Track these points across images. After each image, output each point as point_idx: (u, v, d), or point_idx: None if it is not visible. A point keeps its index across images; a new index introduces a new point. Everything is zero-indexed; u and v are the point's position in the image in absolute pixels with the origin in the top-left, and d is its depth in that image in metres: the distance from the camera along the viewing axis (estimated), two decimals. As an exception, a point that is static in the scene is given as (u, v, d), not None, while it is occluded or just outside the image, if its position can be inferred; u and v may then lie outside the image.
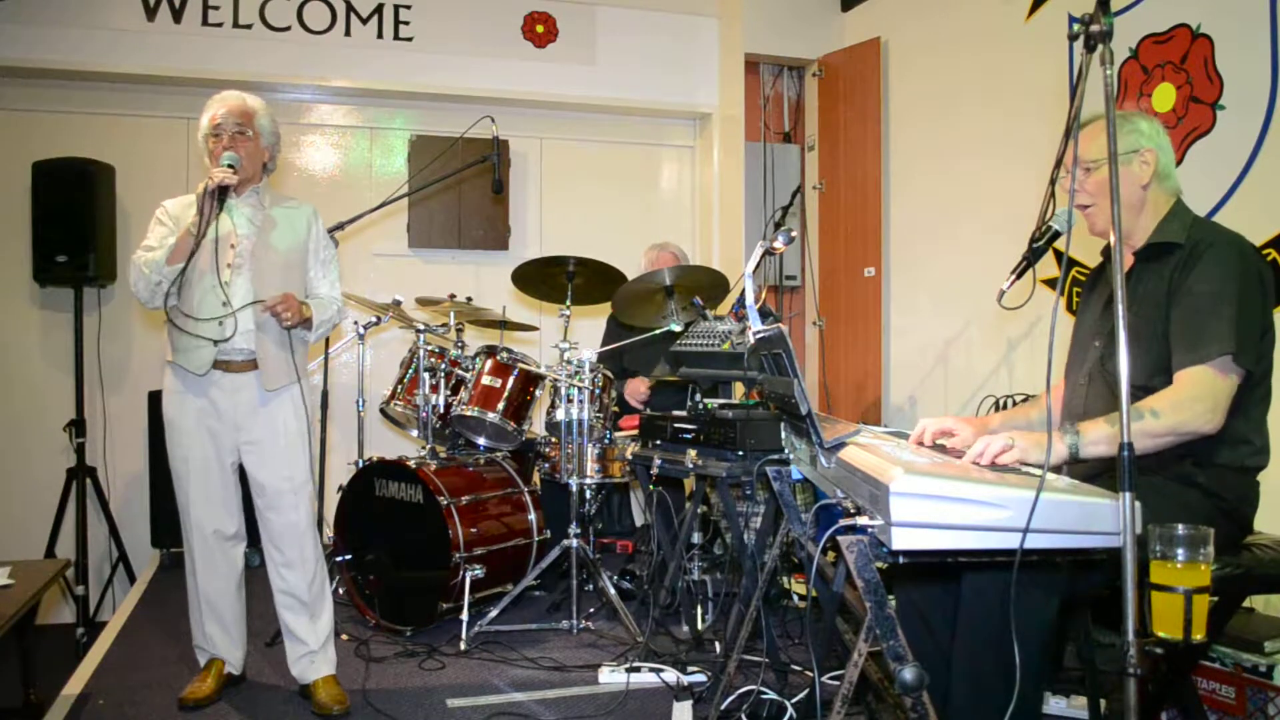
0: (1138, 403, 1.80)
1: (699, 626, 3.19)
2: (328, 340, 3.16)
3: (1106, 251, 2.18)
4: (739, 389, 3.32)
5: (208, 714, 2.60)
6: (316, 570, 2.69)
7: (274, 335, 2.62)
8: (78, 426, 4.30)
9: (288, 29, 4.65)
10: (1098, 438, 1.74)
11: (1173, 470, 1.86)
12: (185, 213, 2.61)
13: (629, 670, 2.82)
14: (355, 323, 3.80)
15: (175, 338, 2.62)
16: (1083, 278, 2.29)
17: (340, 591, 3.45)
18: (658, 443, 3.01)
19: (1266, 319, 1.88)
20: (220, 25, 4.54)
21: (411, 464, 3.34)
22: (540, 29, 5.04)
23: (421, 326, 3.62)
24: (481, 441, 3.80)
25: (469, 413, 3.50)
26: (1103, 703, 2.28)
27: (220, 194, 2.50)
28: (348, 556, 3.44)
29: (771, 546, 2.41)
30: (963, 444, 1.94)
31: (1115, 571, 1.38)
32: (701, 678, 2.80)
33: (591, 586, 3.65)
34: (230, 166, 2.53)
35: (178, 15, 4.49)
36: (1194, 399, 1.78)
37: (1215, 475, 1.87)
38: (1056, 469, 1.77)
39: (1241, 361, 1.80)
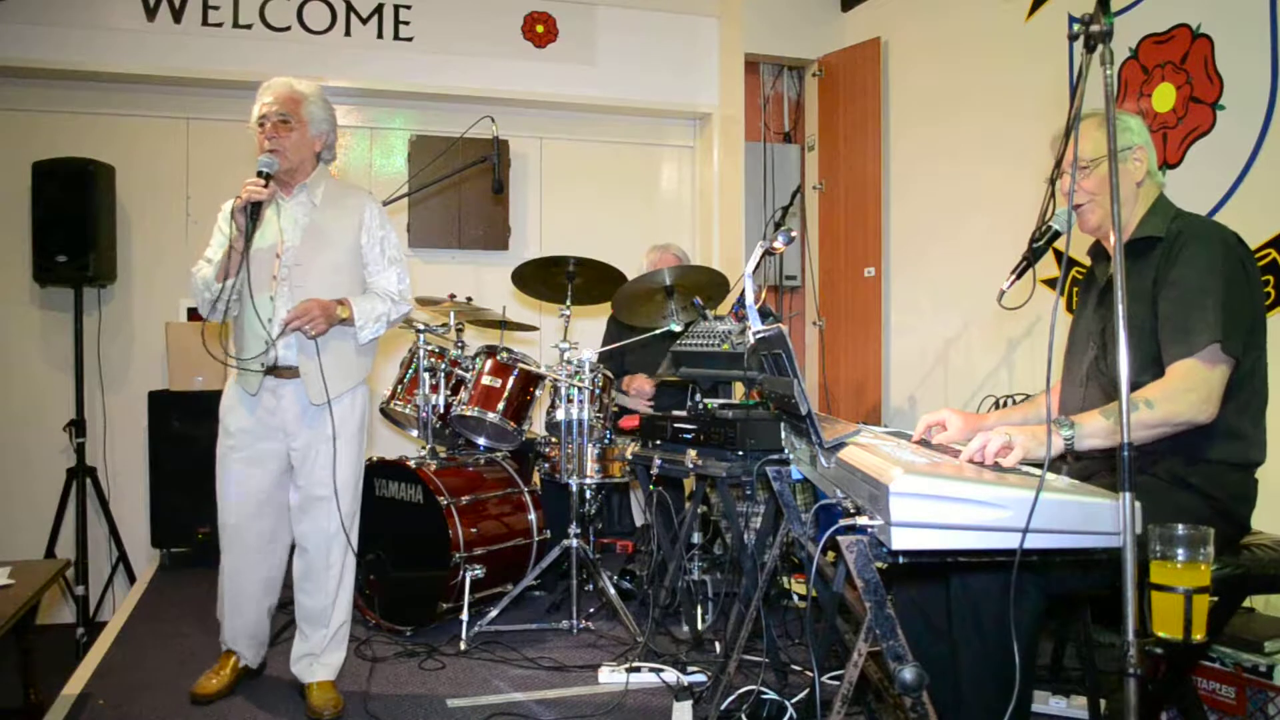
0: (1132, 394, 1.80)
1: (699, 626, 3.19)
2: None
3: (1092, 250, 2.18)
4: (739, 389, 3.32)
5: (208, 710, 2.60)
6: (339, 579, 2.65)
7: (308, 350, 2.53)
8: (78, 426, 4.30)
9: (288, 29, 4.65)
10: (1094, 430, 1.74)
11: (1164, 470, 1.86)
12: (239, 217, 2.52)
13: (629, 670, 2.82)
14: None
15: (236, 350, 2.57)
16: (1081, 277, 2.29)
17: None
18: (658, 443, 3.01)
19: (1254, 307, 1.88)
20: (220, 25, 4.54)
21: (411, 464, 3.34)
22: (540, 29, 5.04)
23: (421, 326, 3.62)
24: (481, 441, 3.80)
25: (469, 413, 3.50)
26: (1103, 703, 2.29)
27: (253, 209, 2.39)
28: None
29: (771, 546, 2.41)
30: (952, 437, 1.95)
31: (1115, 571, 1.38)
32: (701, 678, 2.80)
33: (591, 586, 3.65)
34: (263, 175, 2.40)
35: (178, 15, 4.48)
36: (1186, 389, 1.78)
37: (1208, 473, 1.86)
38: (1055, 462, 1.78)
39: (1229, 349, 1.80)
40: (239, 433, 2.59)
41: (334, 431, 2.56)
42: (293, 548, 2.71)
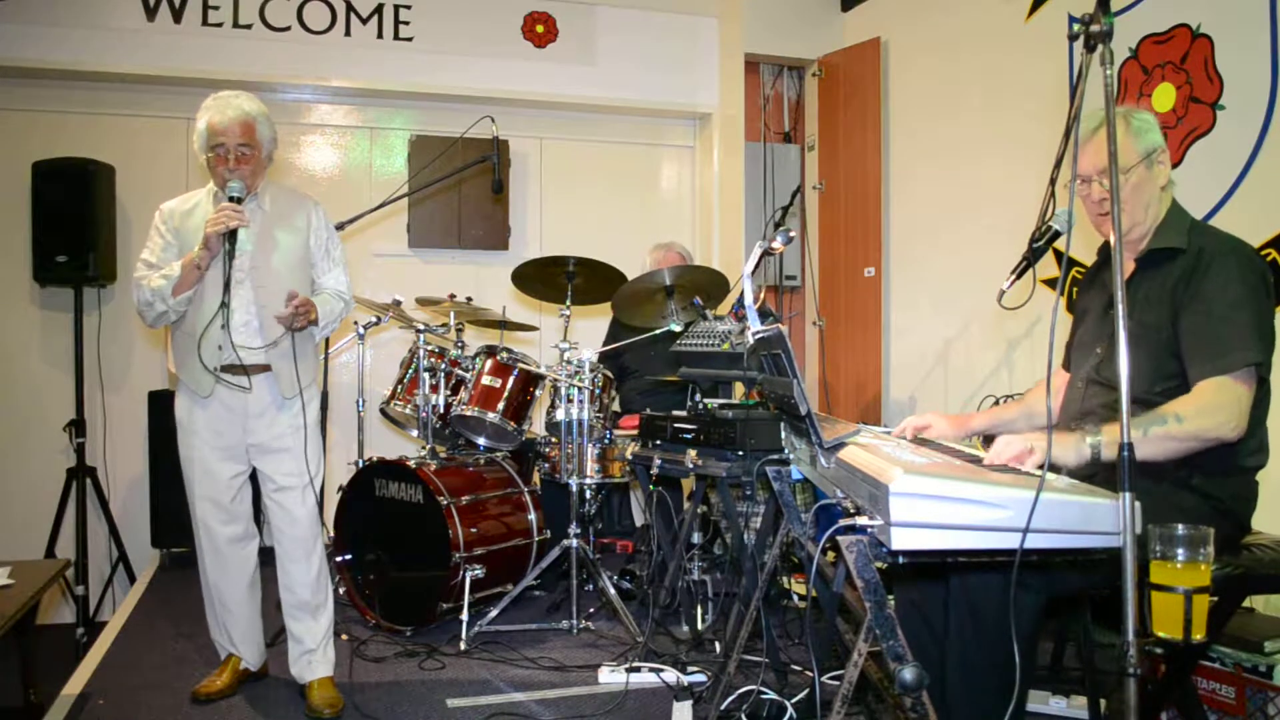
0: (1160, 407, 1.80)
1: (699, 626, 3.19)
2: (327, 340, 3.16)
3: (1103, 251, 2.17)
4: (739, 389, 3.32)
5: (209, 710, 2.60)
6: (319, 569, 2.69)
7: (278, 351, 2.60)
8: (78, 426, 4.30)
9: (288, 29, 4.65)
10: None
11: (1168, 473, 1.86)
12: (185, 221, 2.58)
13: (629, 670, 2.82)
14: (355, 323, 3.80)
15: (178, 355, 2.61)
16: (1081, 277, 2.29)
17: (340, 591, 3.45)
18: (658, 443, 3.01)
19: (1273, 324, 1.88)
20: (220, 25, 4.54)
21: (411, 464, 3.34)
22: (540, 29, 5.04)
23: (421, 326, 3.62)
24: (481, 441, 3.80)
25: (469, 413, 3.50)
26: (1103, 703, 2.28)
27: (231, 234, 2.46)
28: (348, 556, 3.45)
29: (771, 546, 2.41)
30: (938, 435, 1.99)
31: (1115, 571, 1.38)
32: (701, 678, 2.80)
33: (591, 586, 3.65)
34: (236, 200, 2.48)
35: (178, 15, 4.49)
36: (1218, 406, 1.78)
37: (1210, 476, 1.86)
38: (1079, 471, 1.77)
39: (1263, 371, 1.81)
40: (202, 431, 2.60)
41: (305, 421, 2.63)
42: (265, 551, 2.72)
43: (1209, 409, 1.78)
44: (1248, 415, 1.80)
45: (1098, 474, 1.89)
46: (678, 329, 3.31)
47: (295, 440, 2.63)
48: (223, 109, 2.56)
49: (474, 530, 3.26)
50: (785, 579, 3.47)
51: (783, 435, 2.38)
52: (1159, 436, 1.76)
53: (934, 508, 1.36)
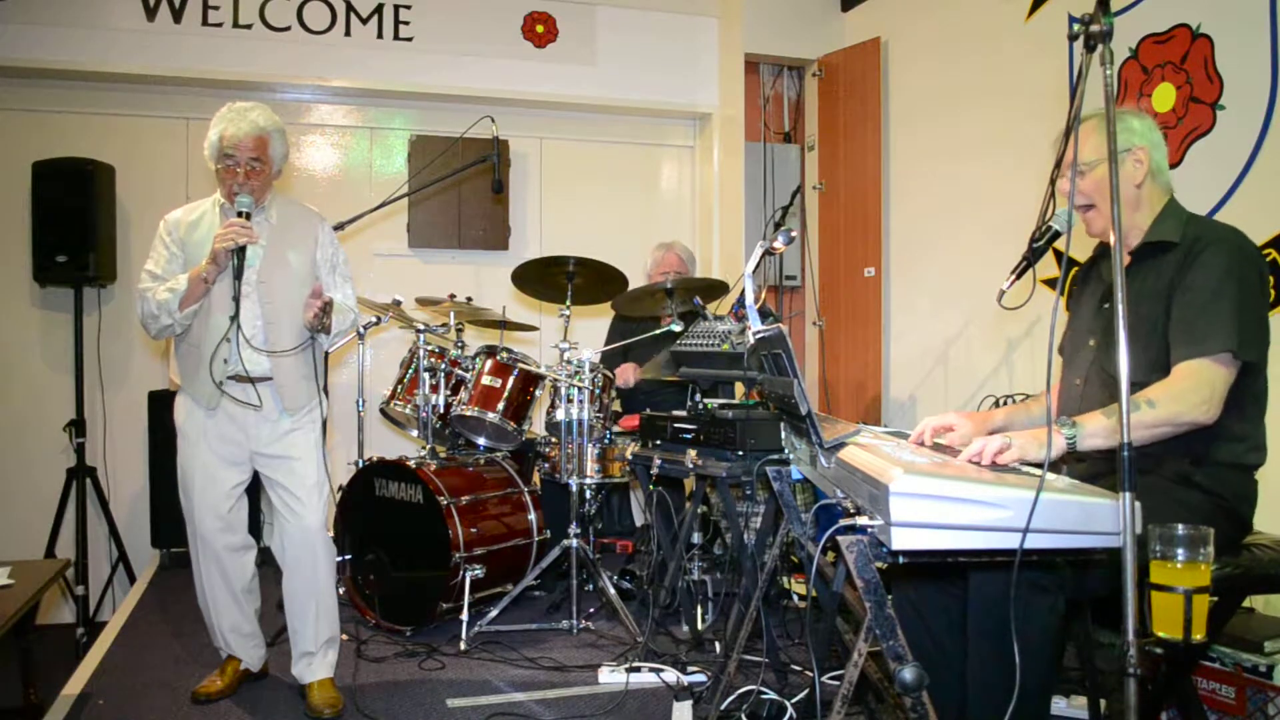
0: (1134, 394, 1.80)
1: (699, 626, 3.19)
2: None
3: (1099, 249, 2.18)
4: (739, 389, 3.32)
5: (209, 710, 2.61)
6: (323, 575, 2.68)
7: (295, 365, 2.61)
8: (78, 426, 4.30)
9: (288, 29, 4.65)
10: (1095, 430, 1.74)
11: (1171, 470, 1.86)
12: (190, 233, 2.58)
13: (629, 670, 2.82)
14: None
15: (183, 367, 2.61)
16: (1077, 273, 2.29)
17: (340, 591, 3.45)
18: (658, 443, 3.01)
19: (1264, 314, 1.88)
20: (220, 25, 4.53)
21: (411, 464, 3.34)
22: (540, 29, 5.04)
23: (421, 326, 3.62)
24: (481, 441, 3.80)
25: (469, 413, 3.50)
26: (1103, 703, 2.28)
27: (240, 250, 2.46)
28: (348, 556, 3.45)
29: (771, 546, 2.41)
30: (961, 439, 1.94)
31: (1115, 571, 1.38)
32: (701, 678, 2.80)
33: (591, 586, 3.65)
34: (245, 215, 2.48)
35: (178, 15, 4.48)
36: (1190, 389, 1.78)
37: (1213, 473, 1.86)
38: (1055, 464, 1.77)
39: (1242, 356, 1.81)
40: (203, 439, 2.60)
41: (317, 427, 2.66)
42: (264, 552, 2.72)
43: (1180, 393, 1.78)
44: (1220, 398, 1.80)
45: (1102, 474, 1.89)
46: (678, 329, 3.31)
47: (303, 447, 2.63)
48: (237, 121, 2.53)
49: (474, 530, 3.26)
50: (785, 579, 3.47)
51: (783, 435, 2.38)
52: (1132, 424, 1.76)
53: (934, 508, 1.36)
